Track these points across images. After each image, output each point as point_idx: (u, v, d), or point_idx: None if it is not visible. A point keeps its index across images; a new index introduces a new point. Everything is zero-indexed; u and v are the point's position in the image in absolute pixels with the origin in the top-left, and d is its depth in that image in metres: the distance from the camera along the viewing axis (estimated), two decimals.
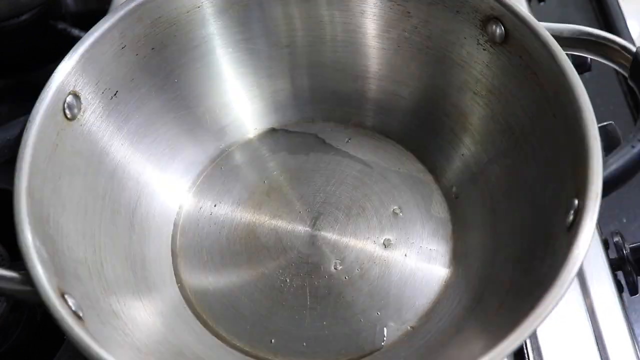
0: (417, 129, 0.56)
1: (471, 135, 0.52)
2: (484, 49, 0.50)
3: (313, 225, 0.53)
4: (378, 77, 0.56)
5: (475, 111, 0.52)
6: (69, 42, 0.47)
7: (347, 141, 0.58)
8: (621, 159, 0.41)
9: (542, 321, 0.34)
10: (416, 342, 0.47)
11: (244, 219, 0.54)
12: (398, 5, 0.53)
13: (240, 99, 0.57)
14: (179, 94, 0.54)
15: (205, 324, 0.49)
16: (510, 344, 0.34)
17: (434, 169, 0.55)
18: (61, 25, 0.67)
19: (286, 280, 0.50)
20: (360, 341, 0.47)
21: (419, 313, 0.48)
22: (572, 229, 0.38)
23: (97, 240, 0.46)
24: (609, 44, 0.45)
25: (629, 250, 0.49)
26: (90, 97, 0.48)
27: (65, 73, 0.45)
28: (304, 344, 0.48)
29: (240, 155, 0.57)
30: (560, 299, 0.35)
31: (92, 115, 0.48)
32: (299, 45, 0.56)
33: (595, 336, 0.45)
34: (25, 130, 0.42)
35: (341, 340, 0.48)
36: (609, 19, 0.68)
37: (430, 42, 0.53)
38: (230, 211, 0.54)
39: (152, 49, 0.52)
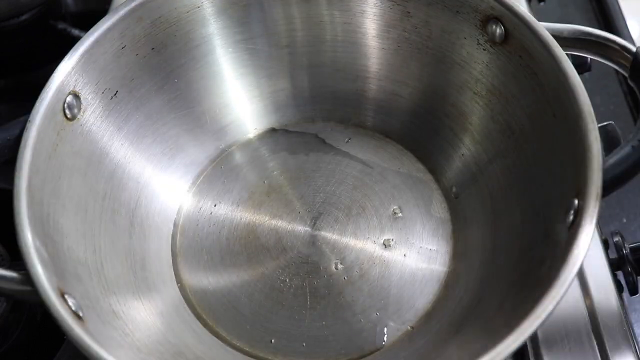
0: (417, 129, 0.56)
1: (471, 135, 0.52)
2: (484, 49, 0.50)
3: (313, 225, 0.53)
4: (378, 77, 0.56)
5: (475, 111, 0.52)
6: (69, 42, 0.47)
7: (347, 141, 0.58)
8: (621, 159, 0.41)
9: (542, 321, 0.34)
10: (416, 342, 0.47)
11: (244, 219, 0.54)
12: (398, 5, 0.53)
13: (240, 99, 0.57)
14: (179, 94, 0.54)
15: (205, 324, 0.49)
16: (510, 344, 0.34)
17: (434, 169, 0.55)
18: (61, 25, 0.67)
19: (286, 280, 0.50)
20: (360, 341, 0.47)
21: (419, 313, 0.48)
22: (572, 229, 0.38)
23: (97, 240, 0.46)
24: (609, 44, 0.45)
25: (629, 250, 0.49)
26: (90, 97, 0.48)
27: (65, 73, 0.45)
28: (304, 344, 0.48)
29: (240, 155, 0.57)
30: (561, 299, 0.35)
31: (92, 115, 0.48)
32: (299, 45, 0.56)
33: (595, 336, 0.45)
34: (25, 130, 0.42)
35: (341, 340, 0.48)
36: (609, 19, 0.68)
37: (430, 42, 0.53)
38: (230, 211, 0.54)
39: (152, 49, 0.52)
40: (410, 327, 0.48)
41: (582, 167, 0.39)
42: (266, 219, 0.53)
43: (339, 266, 0.51)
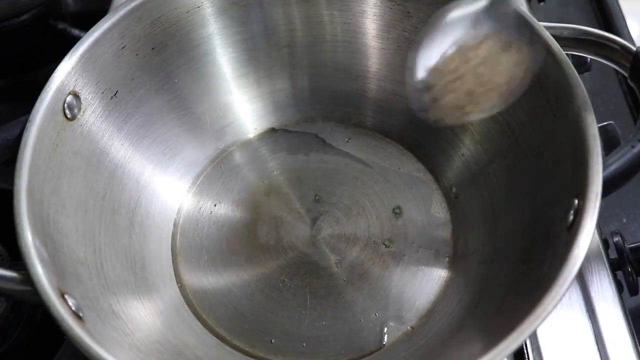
0: (417, 129, 0.56)
1: (471, 135, 0.52)
2: None
3: (313, 225, 0.53)
4: (378, 77, 0.56)
5: None
6: (69, 42, 0.47)
7: (347, 141, 0.58)
8: (621, 159, 0.41)
9: (542, 321, 0.34)
10: (416, 342, 0.47)
11: (244, 219, 0.54)
12: (398, 5, 0.53)
13: (240, 99, 0.57)
14: (179, 94, 0.54)
15: (205, 324, 0.49)
16: (510, 344, 0.34)
17: (434, 169, 0.55)
18: (61, 25, 0.67)
19: (286, 280, 0.50)
20: (360, 341, 0.47)
21: (419, 313, 0.48)
22: (572, 229, 0.38)
23: (97, 240, 0.46)
24: (609, 44, 0.45)
25: (629, 250, 0.49)
26: (90, 97, 0.48)
27: (65, 73, 0.45)
28: (304, 344, 0.48)
29: (240, 155, 0.57)
30: (560, 299, 0.35)
31: (92, 115, 0.48)
32: (299, 45, 0.56)
33: (595, 336, 0.45)
34: (25, 130, 0.42)
35: (341, 340, 0.48)
36: (609, 19, 0.68)
37: None
38: (230, 211, 0.54)
39: (152, 49, 0.52)
40: (410, 327, 0.48)
41: (582, 167, 0.39)
42: (266, 219, 0.53)
43: (339, 266, 0.51)
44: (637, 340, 0.45)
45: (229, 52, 0.56)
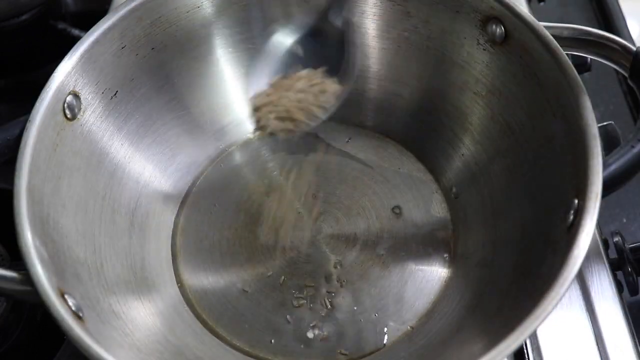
0: (417, 129, 0.56)
1: (471, 135, 0.52)
2: (484, 49, 0.50)
3: (313, 226, 0.53)
4: (378, 77, 0.56)
5: (475, 111, 0.52)
6: (69, 42, 0.47)
7: (347, 141, 0.58)
8: (621, 159, 0.41)
9: (542, 321, 0.34)
10: (416, 342, 0.47)
11: (244, 219, 0.54)
12: (398, 5, 0.53)
13: (240, 99, 0.57)
14: (179, 94, 0.54)
15: (205, 324, 0.49)
16: (510, 344, 0.34)
17: (434, 169, 0.55)
18: (61, 25, 0.67)
19: (286, 281, 0.50)
20: (360, 341, 0.47)
21: (419, 313, 0.48)
22: (572, 229, 0.38)
23: (97, 240, 0.46)
24: (609, 44, 0.45)
25: (629, 250, 0.49)
26: (90, 97, 0.48)
27: (65, 73, 0.45)
28: (304, 344, 0.48)
29: (240, 155, 0.57)
30: (560, 299, 0.35)
31: (92, 115, 0.48)
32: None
33: (595, 336, 0.45)
34: (25, 130, 0.42)
35: (341, 340, 0.47)
36: (609, 19, 0.68)
37: (430, 42, 0.53)
38: (230, 211, 0.54)
39: (152, 49, 0.52)
40: (410, 327, 0.48)
41: (582, 167, 0.39)
42: (266, 219, 0.53)
43: (339, 266, 0.51)
44: (637, 340, 0.45)
45: (229, 52, 0.56)
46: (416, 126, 0.56)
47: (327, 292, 0.50)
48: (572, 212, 0.39)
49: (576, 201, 0.39)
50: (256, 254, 0.52)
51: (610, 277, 0.48)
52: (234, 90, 0.57)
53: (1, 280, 0.38)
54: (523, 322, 0.35)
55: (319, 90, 0.49)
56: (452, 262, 0.50)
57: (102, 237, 0.47)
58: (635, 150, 0.41)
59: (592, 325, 0.46)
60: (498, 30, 0.48)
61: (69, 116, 0.46)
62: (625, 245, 0.49)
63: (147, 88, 0.52)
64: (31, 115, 0.43)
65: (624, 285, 0.49)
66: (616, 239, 0.50)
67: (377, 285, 0.50)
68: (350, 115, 0.58)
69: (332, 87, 0.49)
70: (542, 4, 0.73)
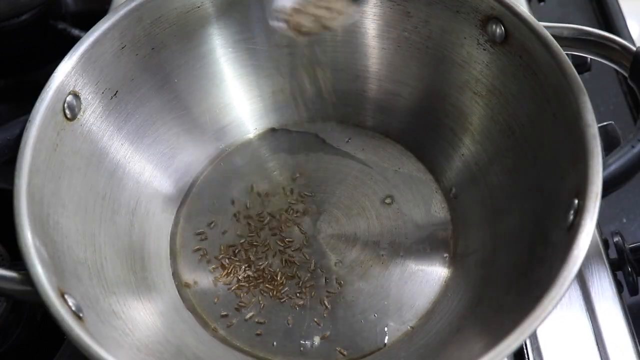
0: (417, 129, 0.56)
1: (471, 135, 0.52)
2: (484, 49, 0.50)
3: (313, 225, 0.53)
4: (378, 77, 0.56)
5: (475, 111, 0.52)
6: (69, 42, 0.47)
7: (347, 141, 0.58)
8: (621, 159, 0.41)
9: (542, 321, 0.34)
10: (416, 342, 0.47)
11: (244, 219, 0.54)
12: (398, 5, 0.53)
13: (240, 99, 0.57)
14: (179, 94, 0.54)
15: (204, 324, 0.49)
16: (510, 344, 0.34)
17: (434, 169, 0.55)
18: (61, 25, 0.67)
19: (286, 280, 0.50)
20: (361, 341, 0.47)
21: (419, 313, 0.48)
22: (572, 229, 0.38)
23: (97, 240, 0.46)
24: (609, 44, 0.45)
25: (629, 250, 0.49)
26: (90, 97, 0.48)
27: (65, 73, 0.45)
28: (304, 344, 0.48)
29: (240, 155, 0.57)
30: (560, 299, 0.35)
31: (92, 115, 0.48)
32: (299, 45, 0.56)
33: (595, 336, 0.45)
34: (25, 130, 0.42)
35: (341, 340, 0.47)
36: (609, 19, 0.68)
37: (430, 42, 0.53)
38: (229, 211, 0.54)
39: (152, 49, 0.52)
40: (410, 327, 0.48)
41: (582, 167, 0.39)
42: (266, 219, 0.53)
43: (339, 266, 0.51)
44: (637, 340, 0.45)
45: (229, 52, 0.56)
46: (416, 126, 0.56)
47: (327, 292, 0.50)
48: (572, 212, 0.39)
49: (576, 201, 0.39)
50: (256, 254, 0.52)
51: (610, 277, 0.48)
52: (234, 90, 0.57)
53: (1, 280, 0.38)
54: (523, 322, 0.34)
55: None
56: (452, 262, 0.50)
57: (102, 237, 0.47)
58: (635, 150, 0.41)
59: (592, 326, 0.46)
60: (498, 30, 0.48)
61: (69, 116, 0.46)
62: (625, 245, 0.49)
63: (147, 88, 0.52)
64: (31, 115, 0.43)
65: (624, 285, 0.49)
66: (616, 239, 0.50)
67: (377, 285, 0.50)
68: (350, 115, 0.58)
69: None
70: (542, 4, 0.73)
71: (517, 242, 0.46)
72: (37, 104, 0.43)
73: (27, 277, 0.37)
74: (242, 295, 0.50)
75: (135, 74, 0.51)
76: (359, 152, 0.57)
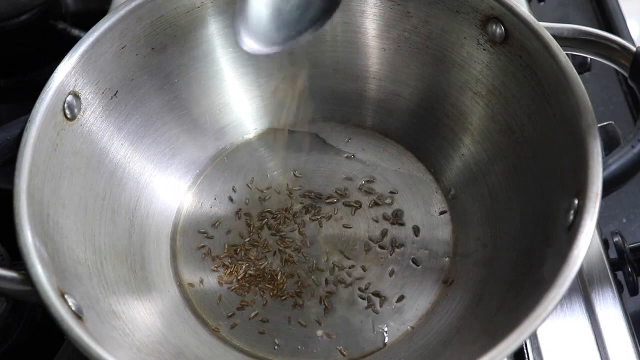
0: (417, 129, 0.56)
1: (471, 135, 0.52)
2: (484, 49, 0.50)
3: (313, 225, 0.53)
4: (378, 77, 0.56)
5: (475, 111, 0.52)
6: (69, 42, 0.47)
7: (347, 141, 0.58)
8: (621, 159, 0.41)
9: (542, 321, 0.34)
10: (416, 342, 0.47)
11: (244, 218, 0.54)
12: (398, 5, 0.53)
13: (240, 99, 0.57)
14: (179, 94, 0.54)
15: (205, 324, 0.49)
16: (510, 344, 0.34)
17: (434, 169, 0.55)
18: (61, 25, 0.67)
19: (286, 281, 0.50)
20: (361, 341, 0.47)
21: (419, 313, 0.48)
22: (572, 229, 0.38)
23: (97, 240, 0.46)
24: (609, 44, 0.45)
25: (629, 250, 0.49)
26: (90, 97, 0.48)
27: (65, 73, 0.45)
28: (304, 344, 0.48)
29: (240, 155, 0.57)
30: (560, 299, 0.35)
31: (92, 115, 0.48)
32: (299, 45, 0.56)
33: (595, 336, 0.45)
34: (25, 130, 0.42)
35: (341, 340, 0.47)
36: (609, 19, 0.68)
37: (430, 42, 0.53)
38: (230, 211, 0.54)
39: (152, 49, 0.52)
40: (410, 327, 0.48)
41: (582, 167, 0.39)
42: (266, 219, 0.53)
43: (339, 266, 0.51)
44: (637, 341, 0.45)
45: (229, 52, 0.56)
46: (416, 126, 0.56)
47: (327, 292, 0.50)
48: (572, 212, 0.39)
49: (576, 201, 0.39)
50: (256, 254, 0.52)
51: (610, 277, 0.48)
52: (234, 90, 0.57)
53: (1, 280, 0.38)
54: (523, 322, 0.34)
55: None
56: (452, 262, 0.50)
57: (102, 237, 0.47)
58: (635, 150, 0.41)
59: (592, 325, 0.46)
60: (498, 30, 0.48)
61: (69, 116, 0.46)
62: (625, 245, 0.49)
63: (147, 88, 0.52)
64: (31, 115, 0.43)
65: (624, 285, 0.49)
66: (616, 239, 0.50)
67: (377, 286, 0.50)
68: (350, 115, 0.58)
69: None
70: (542, 4, 0.73)
71: (517, 241, 0.46)
72: (37, 104, 0.43)
73: (27, 277, 0.37)
74: (242, 295, 0.50)
75: (135, 74, 0.51)
76: (359, 152, 0.57)
